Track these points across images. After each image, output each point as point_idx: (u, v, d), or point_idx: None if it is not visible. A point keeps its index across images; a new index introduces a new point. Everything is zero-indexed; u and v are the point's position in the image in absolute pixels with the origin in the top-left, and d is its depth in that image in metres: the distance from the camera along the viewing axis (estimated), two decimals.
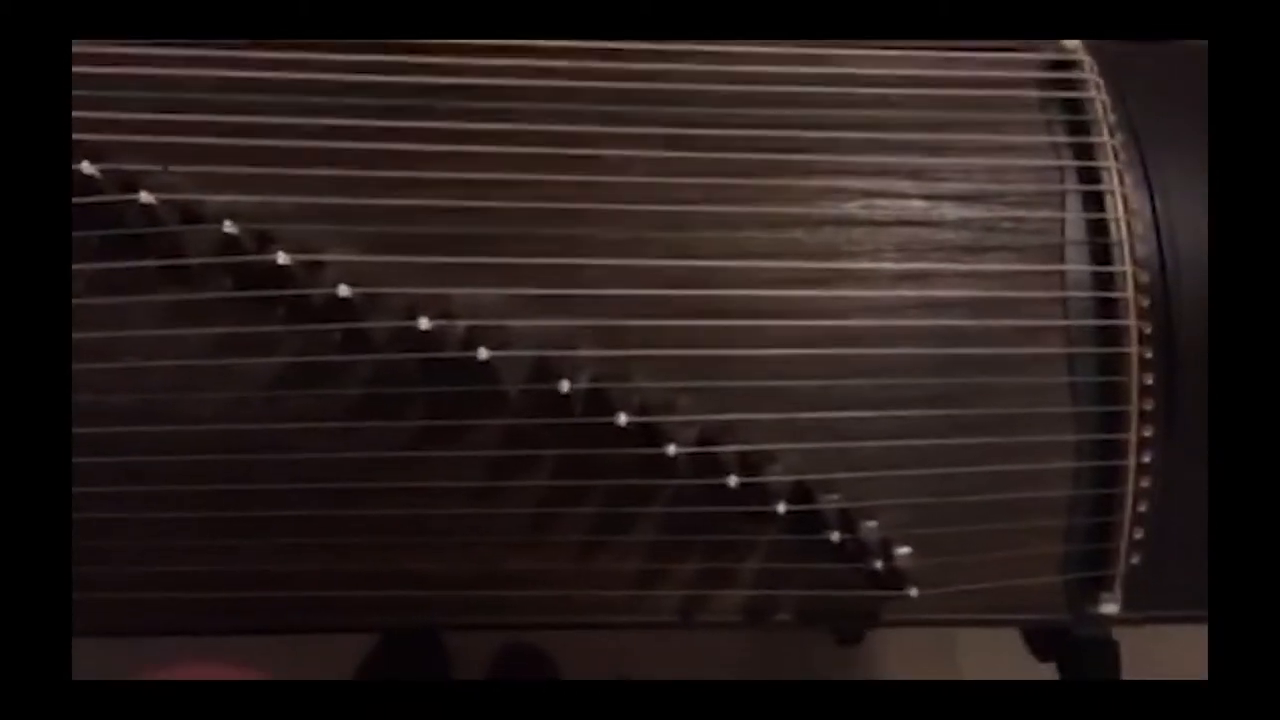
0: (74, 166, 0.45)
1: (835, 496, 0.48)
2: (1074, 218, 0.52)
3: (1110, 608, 0.51)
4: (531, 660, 1.01)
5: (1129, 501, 0.50)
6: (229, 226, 0.45)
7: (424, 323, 0.45)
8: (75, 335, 0.46)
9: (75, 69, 0.47)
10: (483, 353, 0.45)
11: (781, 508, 0.47)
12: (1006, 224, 0.52)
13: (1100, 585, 0.51)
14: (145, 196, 0.45)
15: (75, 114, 0.46)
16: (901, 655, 1.04)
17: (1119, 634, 0.54)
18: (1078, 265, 0.51)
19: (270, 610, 0.49)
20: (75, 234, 0.46)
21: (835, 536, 0.48)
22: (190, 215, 0.46)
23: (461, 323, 0.47)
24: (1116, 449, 0.50)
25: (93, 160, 0.45)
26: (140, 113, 0.47)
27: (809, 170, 0.51)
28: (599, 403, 0.47)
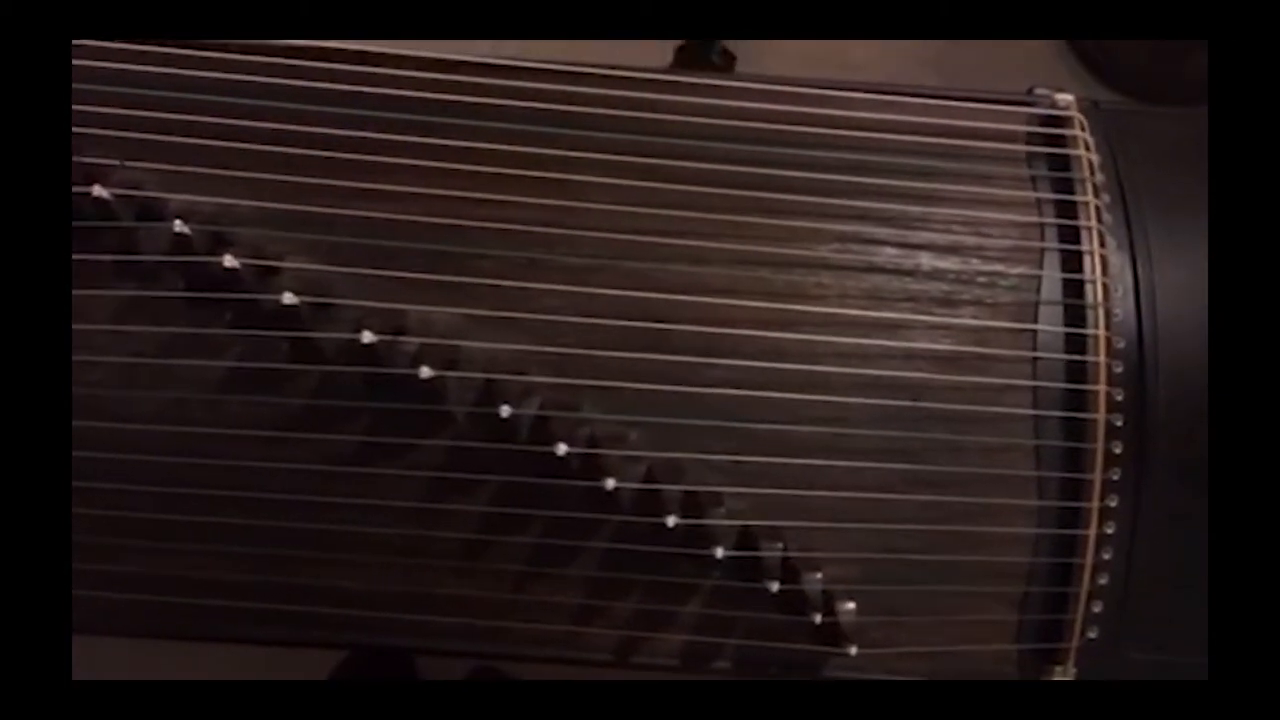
0: None
1: (779, 545, 0.47)
2: (1051, 276, 0.50)
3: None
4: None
5: (1087, 572, 0.49)
6: (180, 226, 0.45)
7: (367, 336, 0.44)
8: None
9: None
10: (425, 371, 0.45)
11: (720, 552, 0.46)
12: (982, 278, 0.51)
13: (1054, 657, 0.50)
14: (98, 190, 0.45)
15: None
16: None
17: None
18: (1051, 326, 0.50)
19: (196, 616, 0.48)
20: None
21: (775, 586, 0.46)
22: (146, 212, 0.46)
23: (410, 339, 0.46)
24: (1078, 517, 0.49)
25: None
26: (105, 107, 0.47)
27: (782, 209, 0.50)
28: (544, 431, 0.46)
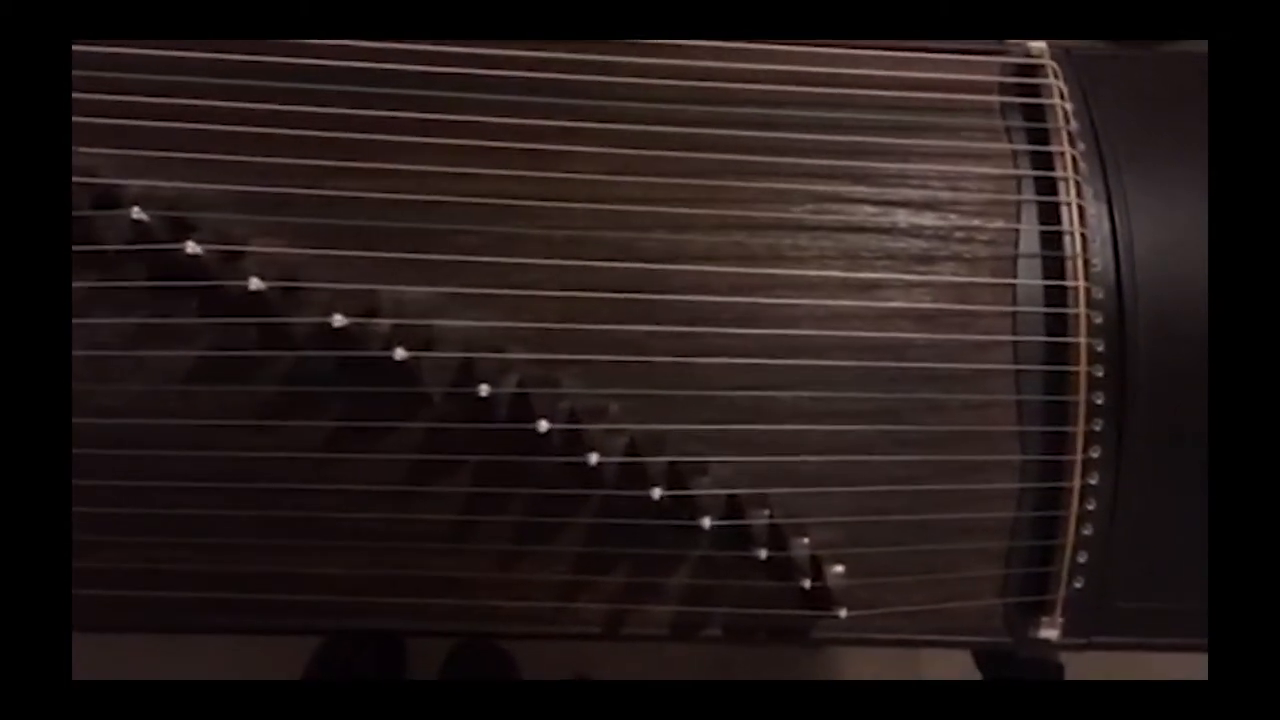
0: None
1: (766, 512, 0.47)
2: (1029, 230, 0.50)
3: (1050, 632, 0.50)
4: (489, 657, 1.00)
5: (1072, 524, 0.49)
6: (138, 213, 0.43)
7: (338, 319, 0.43)
8: None
9: None
10: (399, 353, 0.44)
11: (707, 523, 0.46)
12: (959, 234, 0.50)
13: (1041, 609, 0.50)
14: None
15: None
16: (863, 653, 1.02)
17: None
18: (1030, 279, 0.49)
19: (177, 610, 0.47)
20: None
21: (763, 553, 0.46)
22: (103, 199, 0.45)
23: (382, 321, 0.45)
24: (1061, 470, 0.49)
25: None
26: None
27: (755, 171, 0.49)
28: (523, 408, 0.45)
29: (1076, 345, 0.48)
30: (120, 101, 0.46)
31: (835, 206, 0.50)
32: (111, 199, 0.45)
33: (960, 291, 0.49)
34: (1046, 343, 0.49)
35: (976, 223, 0.50)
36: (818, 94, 0.51)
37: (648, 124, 0.49)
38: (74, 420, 0.45)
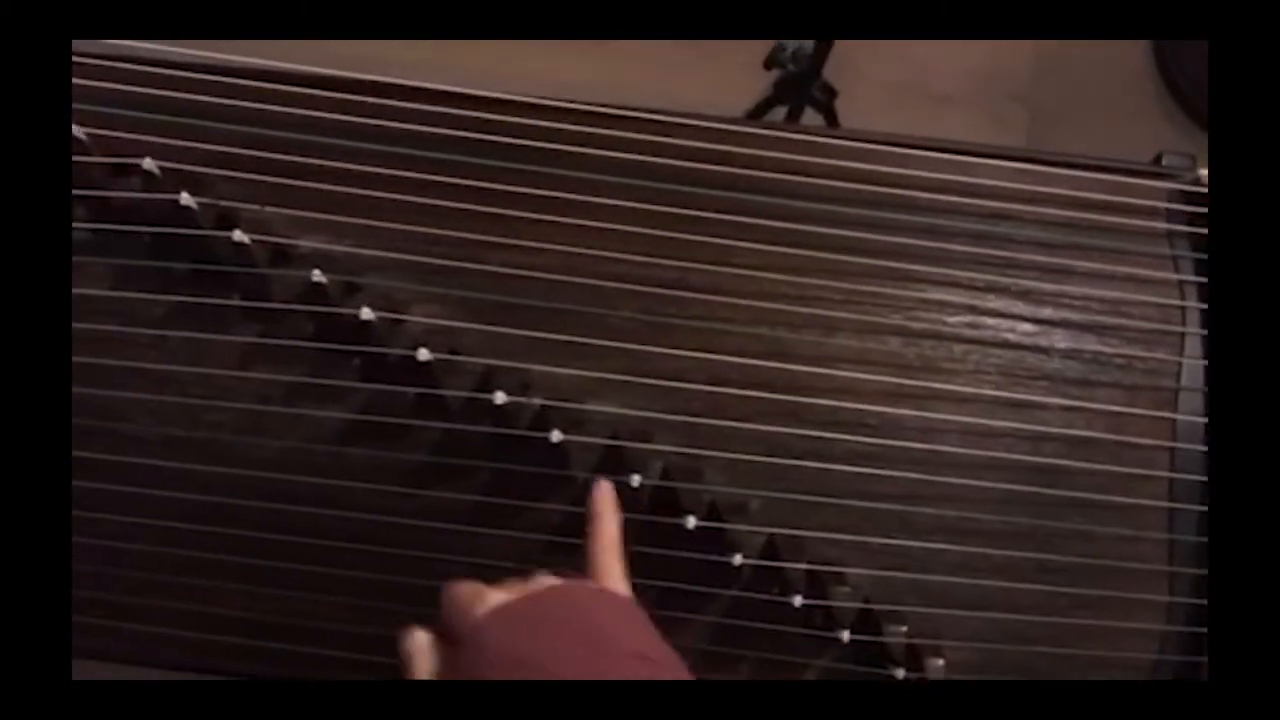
0: (172, 197, 0.45)
1: (903, 629, 0.46)
2: (1192, 363, 0.49)
3: None
4: None
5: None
6: (318, 275, 0.44)
7: (500, 396, 0.44)
8: (147, 365, 0.45)
9: (179, 95, 0.47)
10: (556, 435, 0.44)
11: (845, 636, 0.45)
12: (1119, 361, 0.49)
13: None
14: (239, 235, 0.44)
15: (175, 143, 0.46)
16: None
17: None
18: (1191, 414, 0.48)
19: (307, 664, 0.47)
20: (162, 264, 0.46)
21: (900, 673, 0.45)
22: (280, 258, 0.46)
23: (537, 400, 0.45)
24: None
25: (191, 192, 0.45)
26: (244, 148, 0.47)
27: (914, 279, 0.49)
28: (667, 499, 0.45)
29: None
30: (296, 162, 0.48)
31: (993, 321, 0.49)
32: (286, 257, 0.46)
33: (1117, 420, 0.48)
34: (1204, 483, 0.47)
35: (1138, 351, 0.49)
36: (981, 206, 0.50)
37: (808, 223, 0.49)
38: (223, 470, 0.46)
